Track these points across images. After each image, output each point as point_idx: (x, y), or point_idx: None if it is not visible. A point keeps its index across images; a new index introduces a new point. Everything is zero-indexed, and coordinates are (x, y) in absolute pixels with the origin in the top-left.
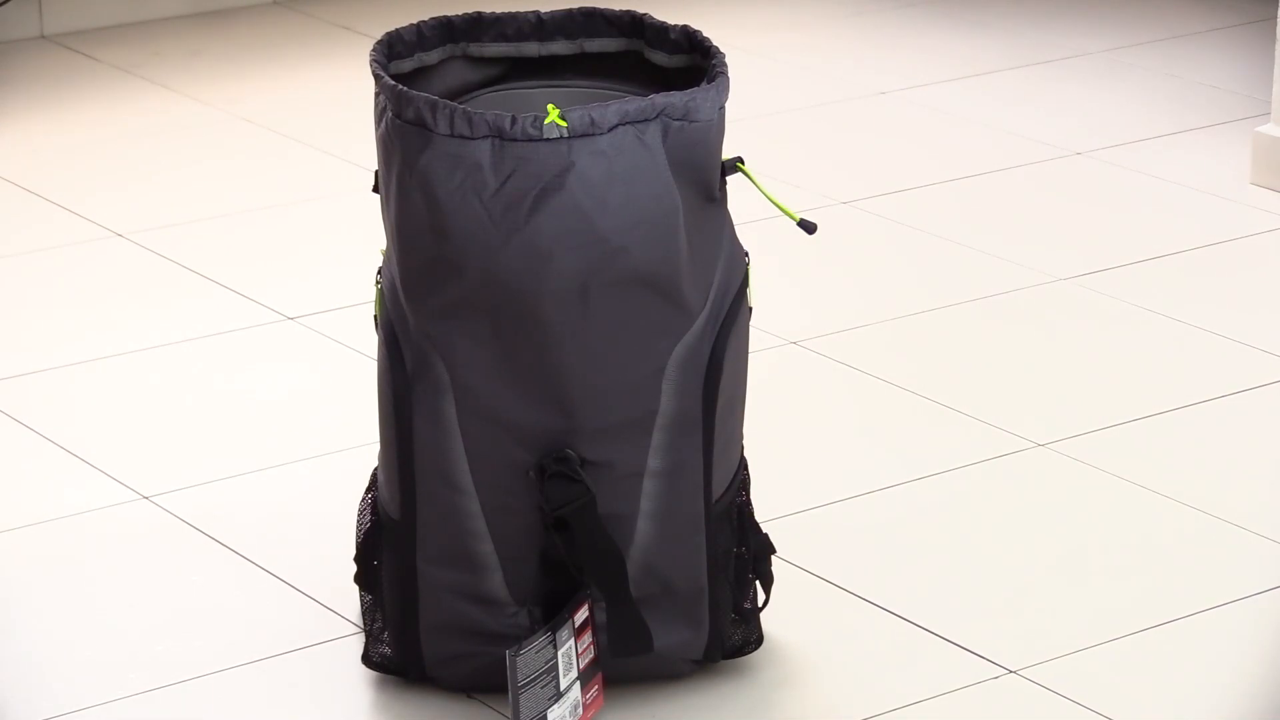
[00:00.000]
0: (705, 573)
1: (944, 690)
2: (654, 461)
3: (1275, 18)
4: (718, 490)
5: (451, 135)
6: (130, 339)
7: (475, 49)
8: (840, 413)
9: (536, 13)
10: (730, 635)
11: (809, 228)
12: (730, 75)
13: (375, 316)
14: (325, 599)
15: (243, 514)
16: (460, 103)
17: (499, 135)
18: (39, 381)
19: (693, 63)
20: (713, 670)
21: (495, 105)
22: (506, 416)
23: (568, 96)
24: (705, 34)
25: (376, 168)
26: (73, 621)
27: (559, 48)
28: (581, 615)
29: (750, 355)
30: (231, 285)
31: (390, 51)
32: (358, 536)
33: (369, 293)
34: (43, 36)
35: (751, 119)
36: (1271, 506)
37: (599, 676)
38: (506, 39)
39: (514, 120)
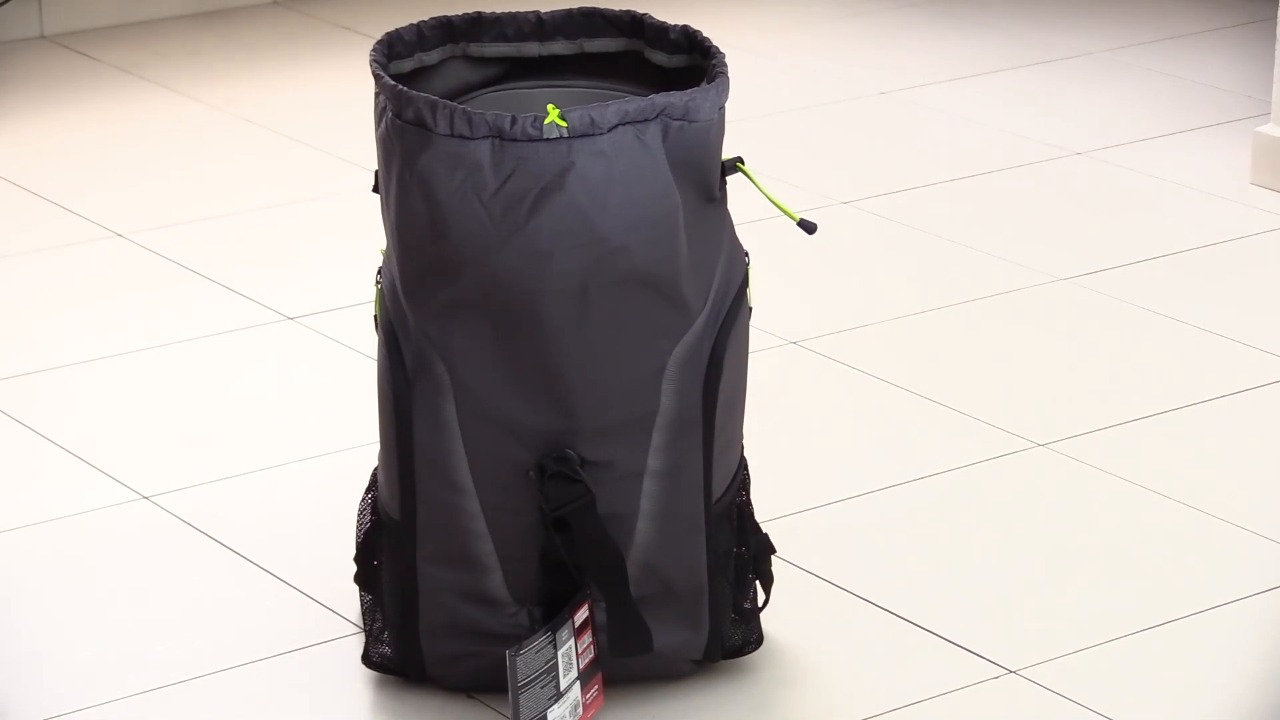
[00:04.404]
0: (705, 573)
1: (944, 690)
2: (654, 461)
3: (1275, 18)
4: (718, 490)
5: (451, 135)
6: (130, 339)
7: (475, 49)
8: (840, 413)
9: (536, 13)
10: (730, 635)
11: (809, 228)
12: (730, 75)
13: (375, 316)
14: (325, 599)
15: (243, 514)
16: (460, 103)
17: (499, 135)
18: (39, 381)
19: (693, 63)
20: (713, 670)
21: (495, 105)
22: (506, 416)
23: (568, 96)
24: (705, 34)
25: (376, 168)
26: (73, 621)
27: (559, 48)
28: (581, 615)
29: (750, 355)
30: (231, 285)
31: (390, 51)
32: (358, 536)
33: (369, 293)
34: (43, 36)
35: (751, 119)
36: (1271, 506)
37: (599, 676)
38: (506, 39)
39: (514, 120)
